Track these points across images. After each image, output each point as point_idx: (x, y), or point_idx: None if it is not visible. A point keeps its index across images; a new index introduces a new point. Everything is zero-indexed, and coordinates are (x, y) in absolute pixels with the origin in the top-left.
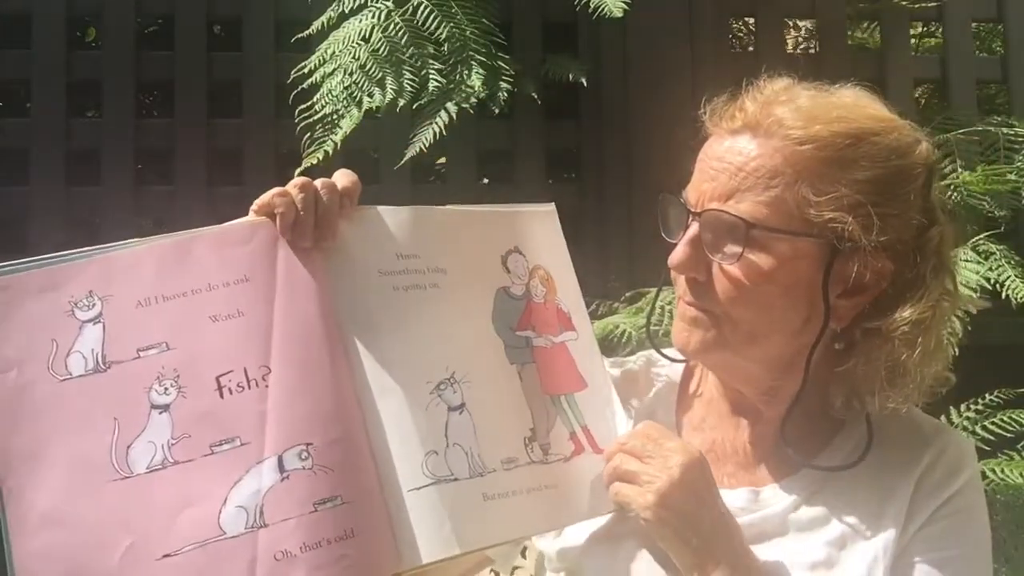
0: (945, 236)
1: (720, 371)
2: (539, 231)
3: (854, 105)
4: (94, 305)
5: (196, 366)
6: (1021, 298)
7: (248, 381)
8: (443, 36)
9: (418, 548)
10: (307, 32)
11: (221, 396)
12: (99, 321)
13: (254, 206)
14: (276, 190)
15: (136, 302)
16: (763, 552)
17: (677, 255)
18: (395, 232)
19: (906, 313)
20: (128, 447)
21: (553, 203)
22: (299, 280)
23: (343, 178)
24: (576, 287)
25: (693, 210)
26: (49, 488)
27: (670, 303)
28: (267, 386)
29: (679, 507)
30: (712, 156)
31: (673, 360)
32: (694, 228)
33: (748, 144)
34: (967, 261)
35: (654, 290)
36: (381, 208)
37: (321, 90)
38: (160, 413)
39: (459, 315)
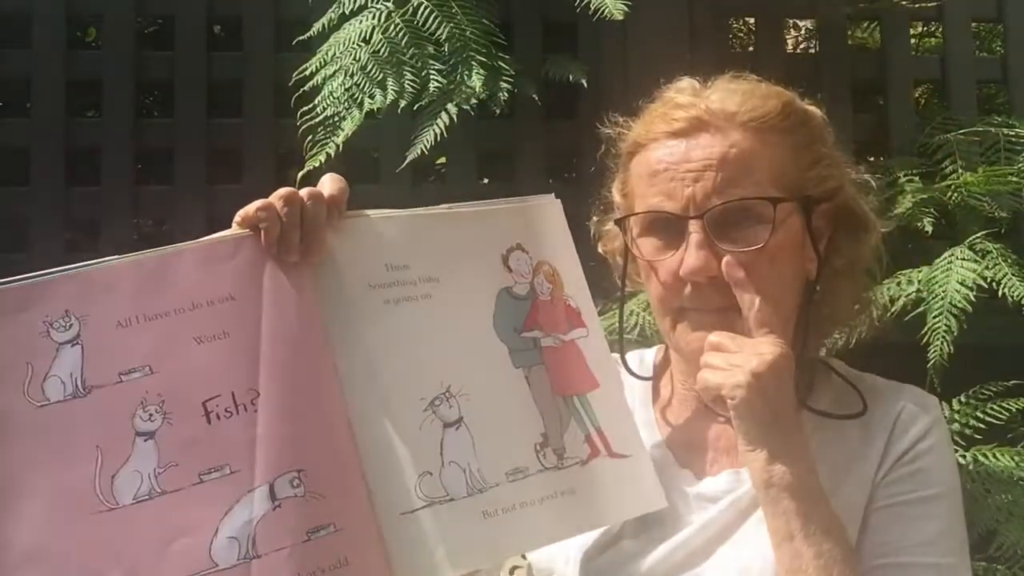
0: (862, 179)
1: None
2: (542, 225)
3: (758, 84)
4: (71, 325)
5: (181, 390)
6: (1018, 297)
7: (236, 406)
8: (443, 36)
9: (410, 573)
10: (308, 35)
11: (208, 422)
12: (77, 343)
13: (237, 218)
14: (259, 203)
15: (116, 322)
16: (747, 527)
17: (696, 261)
18: (385, 242)
19: (865, 246)
20: (113, 477)
21: (553, 194)
22: (286, 297)
23: (330, 184)
24: (583, 281)
25: (692, 215)
26: (29, 522)
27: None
28: (256, 410)
29: (768, 390)
30: (678, 161)
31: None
32: (698, 232)
33: (715, 139)
34: (964, 260)
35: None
36: (371, 215)
37: (322, 92)
38: (145, 440)
39: (455, 325)
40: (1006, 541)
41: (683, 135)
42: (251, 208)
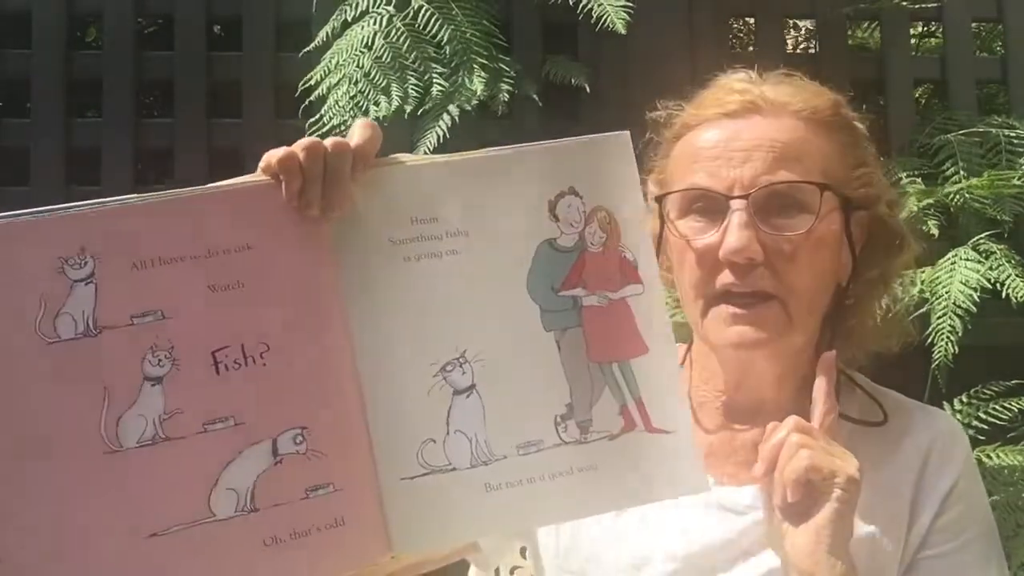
0: (898, 198)
1: (771, 360)
2: (605, 165)
3: (809, 82)
4: (86, 263)
5: (192, 338)
6: (1021, 297)
7: (245, 358)
8: (444, 39)
9: (407, 539)
10: (311, 46)
11: (217, 372)
12: (91, 281)
13: (262, 164)
14: (281, 153)
15: (131, 264)
16: (769, 551)
17: (738, 241)
18: (412, 193)
19: (899, 259)
20: (119, 419)
21: (627, 132)
22: (304, 251)
23: (360, 133)
24: (646, 231)
25: (737, 194)
26: (35, 457)
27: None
28: (264, 364)
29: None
30: (727, 140)
31: None
32: (742, 212)
33: (767, 122)
34: (967, 260)
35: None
36: (405, 161)
37: (328, 102)
38: (153, 385)
39: (481, 284)
40: (1015, 562)
41: (735, 116)
42: (273, 157)
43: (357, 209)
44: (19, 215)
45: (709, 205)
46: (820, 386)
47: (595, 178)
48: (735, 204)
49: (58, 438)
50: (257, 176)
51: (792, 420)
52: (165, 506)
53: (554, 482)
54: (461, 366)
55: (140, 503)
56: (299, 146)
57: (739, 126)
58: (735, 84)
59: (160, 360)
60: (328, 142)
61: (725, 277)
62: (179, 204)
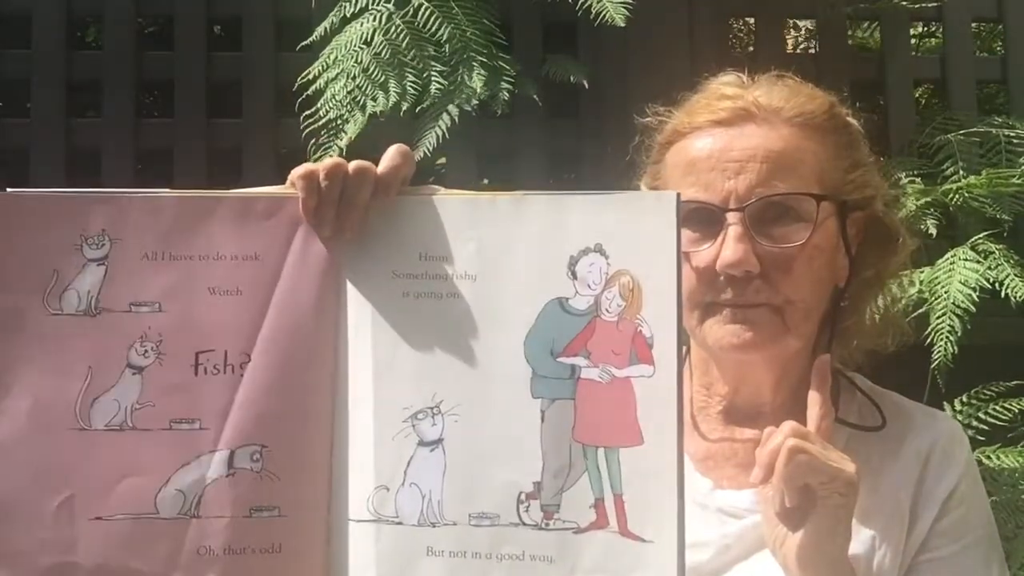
0: (895, 194)
1: (768, 364)
2: (641, 225)
3: (802, 84)
4: (103, 245)
5: (181, 336)
6: (1021, 297)
7: (225, 365)
8: (444, 38)
9: None
10: (310, 40)
11: (196, 374)
12: (103, 263)
13: (291, 176)
14: (304, 168)
15: (143, 253)
16: (767, 553)
17: (734, 254)
18: (428, 227)
19: (895, 257)
20: (94, 400)
21: (678, 192)
22: (308, 270)
23: (388, 160)
24: (672, 306)
25: (733, 207)
26: (8, 418)
27: None
28: (242, 375)
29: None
30: (721, 150)
31: None
32: (737, 225)
33: (760, 131)
34: (966, 260)
35: None
36: (436, 192)
37: (324, 95)
38: (134, 374)
39: (474, 334)
40: (1015, 563)
41: (727, 124)
42: (296, 172)
43: (371, 236)
44: (56, 192)
45: (704, 216)
46: (815, 390)
47: (626, 238)
48: (731, 217)
49: (34, 408)
50: (284, 187)
51: (788, 425)
52: (113, 495)
53: (500, 564)
54: (433, 416)
55: (93, 485)
56: (322, 165)
57: (732, 135)
58: (726, 89)
59: (147, 351)
60: (352, 165)
61: (725, 294)
62: (201, 204)
